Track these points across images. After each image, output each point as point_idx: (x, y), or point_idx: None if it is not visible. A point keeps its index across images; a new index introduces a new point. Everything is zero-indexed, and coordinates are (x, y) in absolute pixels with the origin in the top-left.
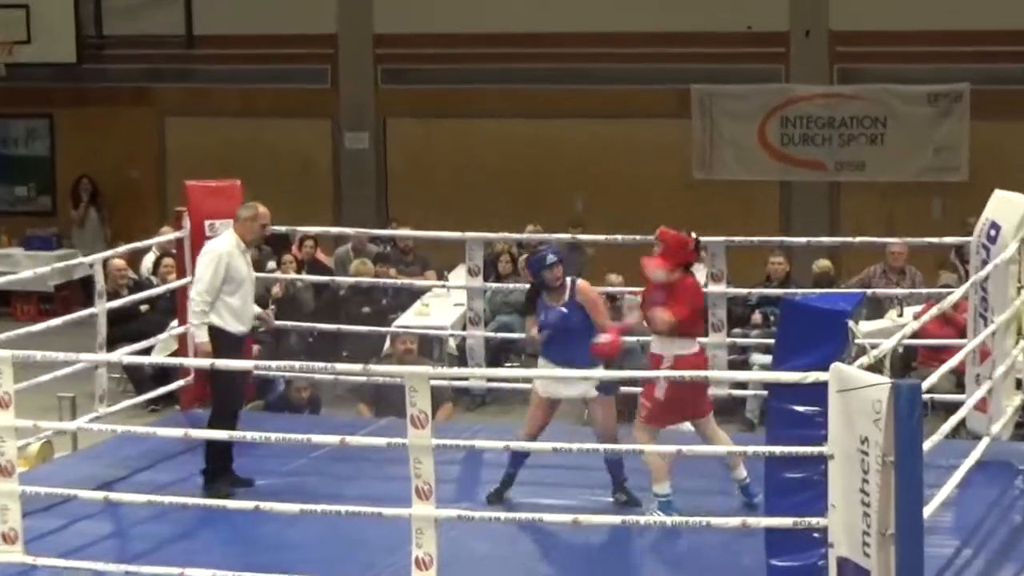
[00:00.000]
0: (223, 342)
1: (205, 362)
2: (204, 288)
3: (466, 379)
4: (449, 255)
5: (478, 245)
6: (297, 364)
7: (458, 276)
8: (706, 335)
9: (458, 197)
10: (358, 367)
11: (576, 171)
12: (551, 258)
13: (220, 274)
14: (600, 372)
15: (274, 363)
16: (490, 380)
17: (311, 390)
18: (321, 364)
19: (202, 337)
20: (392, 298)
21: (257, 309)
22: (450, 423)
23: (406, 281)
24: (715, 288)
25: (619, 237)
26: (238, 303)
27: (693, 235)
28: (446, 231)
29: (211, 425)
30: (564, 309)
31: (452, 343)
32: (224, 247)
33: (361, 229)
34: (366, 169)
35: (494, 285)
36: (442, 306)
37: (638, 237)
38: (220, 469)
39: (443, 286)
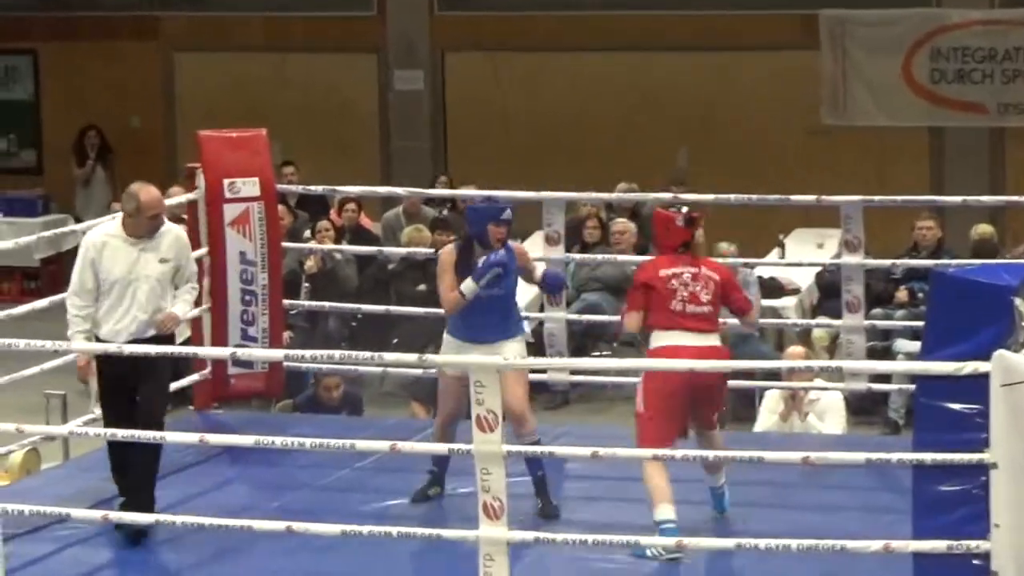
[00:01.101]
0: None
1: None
2: (72, 290)
3: (544, 371)
4: (523, 219)
5: (558, 207)
6: (336, 354)
7: (534, 245)
8: (839, 316)
9: (533, 149)
10: (411, 357)
11: (678, 117)
12: (508, 213)
13: (88, 273)
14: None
15: (307, 352)
16: (574, 372)
17: (343, 387)
18: (365, 354)
19: (78, 348)
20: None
21: (177, 307)
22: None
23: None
24: (850, 259)
25: (731, 197)
26: (101, 313)
27: (684, 210)
28: (518, 190)
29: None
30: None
31: (527, 327)
32: (96, 237)
33: (415, 189)
34: (420, 115)
35: (578, 256)
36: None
37: (754, 197)
38: (146, 501)
39: None
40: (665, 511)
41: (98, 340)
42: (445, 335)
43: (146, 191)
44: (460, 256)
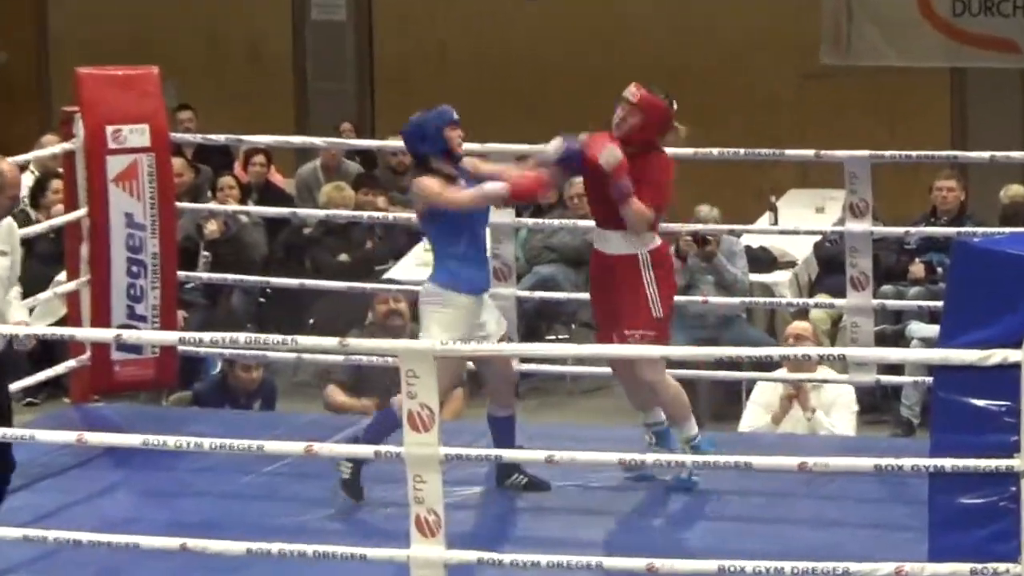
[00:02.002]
0: None
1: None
2: None
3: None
4: None
5: (506, 163)
6: (241, 337)
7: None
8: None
9: (476, 94)
10: (331, 341)
11: (645, 58)
12: (454, 114)
13: None
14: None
15: (205, 335)
16: (524, 361)
17: (261, 371)
18: (276, 337)
19: None
20: (381, 240)
21: (17, 314)
22: (464, 423)
23: (401, 215)
24: (855, 226)
25: (713, 151)
26: None
27: (674, 103)
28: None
29: None
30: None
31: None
32: None
33: (335, 139)
34: (342, 51)
35: (531, 221)
36: None
37: (740, 152)
38: None
39: None
40: (693, 425)
41: None
42: (444, 292)
43: (8, 163)
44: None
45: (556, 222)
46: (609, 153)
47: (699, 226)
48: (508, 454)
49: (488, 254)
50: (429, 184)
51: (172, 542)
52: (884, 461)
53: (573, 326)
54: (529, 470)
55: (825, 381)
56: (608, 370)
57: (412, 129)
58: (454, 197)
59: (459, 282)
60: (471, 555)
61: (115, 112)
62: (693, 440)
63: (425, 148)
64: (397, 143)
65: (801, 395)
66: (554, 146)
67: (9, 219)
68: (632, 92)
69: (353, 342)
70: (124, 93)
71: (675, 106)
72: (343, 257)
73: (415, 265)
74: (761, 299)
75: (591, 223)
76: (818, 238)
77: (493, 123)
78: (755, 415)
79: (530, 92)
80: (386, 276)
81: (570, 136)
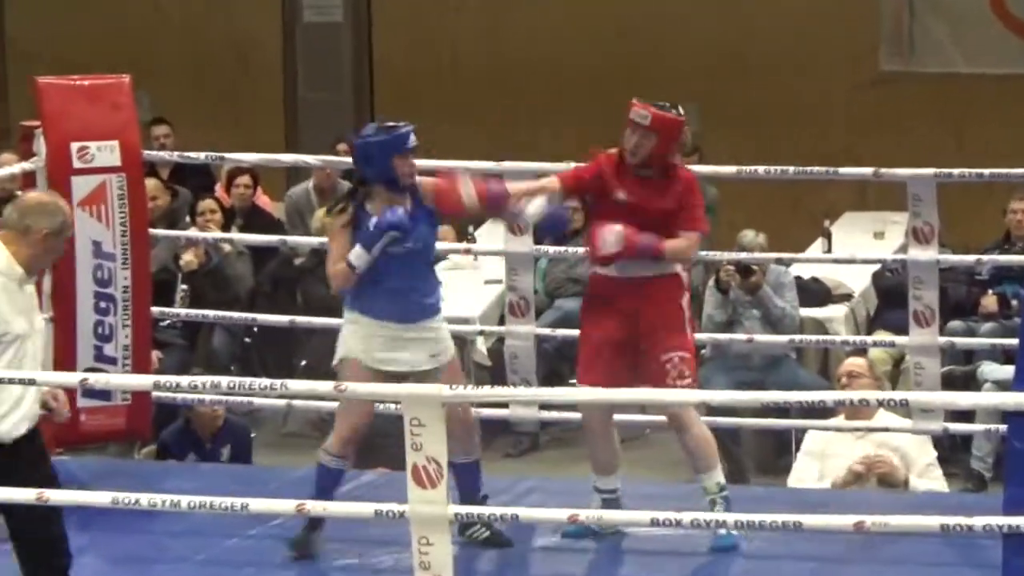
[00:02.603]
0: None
1: None
2: None
3: (505, 405)
4: None
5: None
6: (224, 381)
7: (492, 234)
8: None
9: (492, 105)
10: (326, 386)
11: (684, 65)
12: (413, 138)
13: None
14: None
15: (183, 380)
16: (545, 407)
17: (223, 414)
18: (263, 381)
19: None
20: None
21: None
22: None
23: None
24: (920, 253)
25: (759, 170)
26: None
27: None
28: (472, 159)
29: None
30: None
31: (482, 346)
32: None
33: (330, 157)
34: (338, 57)
35: (552, 249)
36: (465, 284)
37: (790, 170)
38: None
39: (467, 251)
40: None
41: None
42: (346, 312)
43: (64, 202)
44: (357, 210)
45: (580, 250)
46: (614, 242)
47: (743, 255)
48: (530, 514)
49: (439, 286)
50: (331, 223)
51: None
52: (952, 520)
53: None
54: (496, 524)
55: (885, 430)
56: (643, 417)
57: (362, 147)
58: (329, 263)
59: (366, 308)
60: None
61: (81, 127)
62: (724, 491)
63: (369, 172)
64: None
65: (878, 467)
66: (535, 209)
67: None
68: (642, 114)
69: (351, 387)
70: (91, 105)
71: (683, 112)
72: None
73: None
74: (813, 336)
75: None
76: (877, 267)
77: (508, 137)
78: (807, 467)
79: (551, 102)
80: None
81: (555, 199)
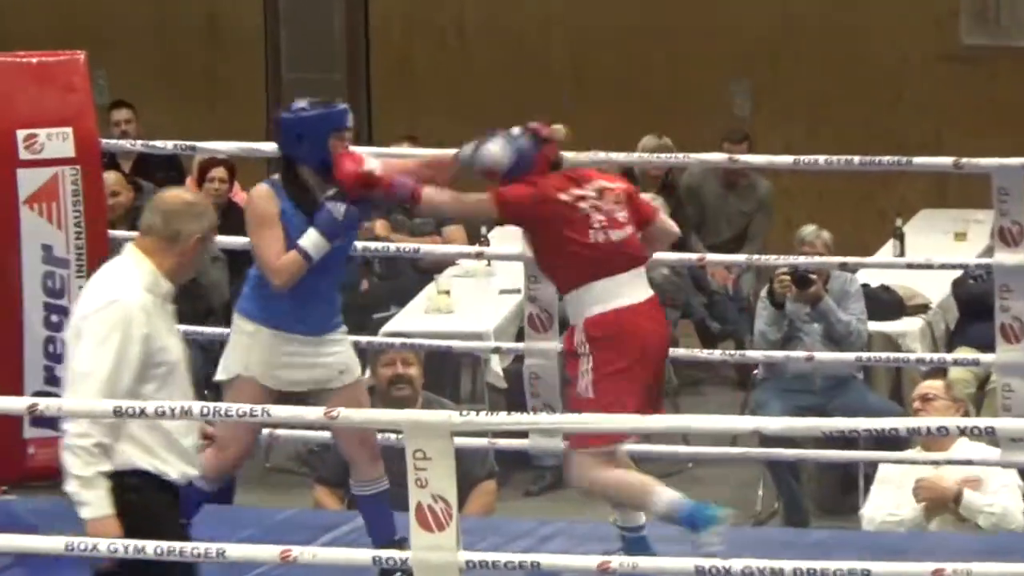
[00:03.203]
0: (152, 506)
1: None
2: (98, 389)
3: (525, 434)
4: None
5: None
6: (195, 407)
7: (508, 238)
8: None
9: (504, 85)
10: (315, 411)
11: (733, 37)
12: (351, 116)
13: (133, 358)
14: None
15: (148, 405)
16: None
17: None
18: (242, 407)
19: (101, 511)
20: (380, 279)
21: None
22: (494, 520)
23: (406, 245)
24: (1008, 257)
25: (819, 160)
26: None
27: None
28: None
29: None
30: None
31: (497, 365)
32: (134, 296)
33: None
34: (329, 31)
35: None
36: (477, 294)
37: (856, 160)
38: None
39: (479, 256)
40: (668, 492)
41: (150, 482)
42: (240, 321)
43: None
44: (291, 194)
45: None
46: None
47: (800, 259)
48: (553, 561)
49: (334, 296)
50: (258, 209)
51: None
52: None
53: None
54: None
55: (968, 463)
56: (685, 449)
57: (294, 123)
58: (268, 254)
59: (271, 316)
60: None
61: (28, 112)
62: (680, 511)
63: (301, 151)
64: (402, 150)
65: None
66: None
67: None
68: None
69: (345, 413)
70: (40, 87)
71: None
72: None
73: (425, 312)
74: (883, 354)
75: (662, 254)
76: (958, 274)
77: (524, 120)
78: (882, 498)
79: (574, 83)
80: (389, 327)
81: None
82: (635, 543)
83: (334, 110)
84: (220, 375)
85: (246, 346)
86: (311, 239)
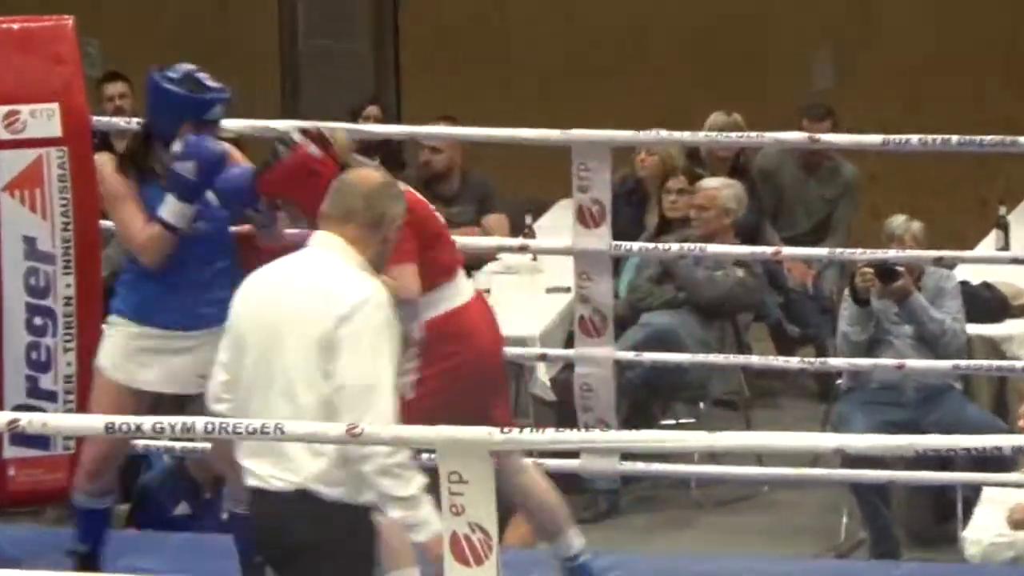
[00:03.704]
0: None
1: None
2: (389, 402)
3: (576, 454)
4: (536, 183)
5: (599, 157)
6: (199, 423)
7: (558, 227)
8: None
9: (551, 61)
10: (336, 428)
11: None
12: (219, 110)
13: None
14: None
15: (146, 420)
16: (627, 457)
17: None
18: (254, 423)
19: (436, 530)
20: None
21: None
22: (539, 552)
23: None
24: None
25: (912, 139)
26: None
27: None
28: (525, 126)
29: None
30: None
31: (544, 374)
32: (380, 289)
33: (345, 125)
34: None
35: (637, 245)
36: (521, 293)
37: (954, 139)
38: None
39: (523, 249)
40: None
41: None
42: (114, 318)
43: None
44: (135, 166)
45: (675, 246)
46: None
47: (890, 253)
48: None
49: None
50: (108, 182)
51: None
52: None
53: (702, 404)
54: None
55: None
56: (761, 469)
57: (155, 89)
58: (131, 229)
59: (135, 308)
60: None
61: (8, 85)
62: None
63: (155, 123)
64: (435, 129)
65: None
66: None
67: None
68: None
69: (369, 428)
70: (22, 56)
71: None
72: None
73: None
74: (984, 362)
75: (728, 247)
76: None
77: (575, 100)
78: (989, 519)
79: (632, 57)
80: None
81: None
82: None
83: (199, 97)
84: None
85: (107, 338)
86: (168, 206)
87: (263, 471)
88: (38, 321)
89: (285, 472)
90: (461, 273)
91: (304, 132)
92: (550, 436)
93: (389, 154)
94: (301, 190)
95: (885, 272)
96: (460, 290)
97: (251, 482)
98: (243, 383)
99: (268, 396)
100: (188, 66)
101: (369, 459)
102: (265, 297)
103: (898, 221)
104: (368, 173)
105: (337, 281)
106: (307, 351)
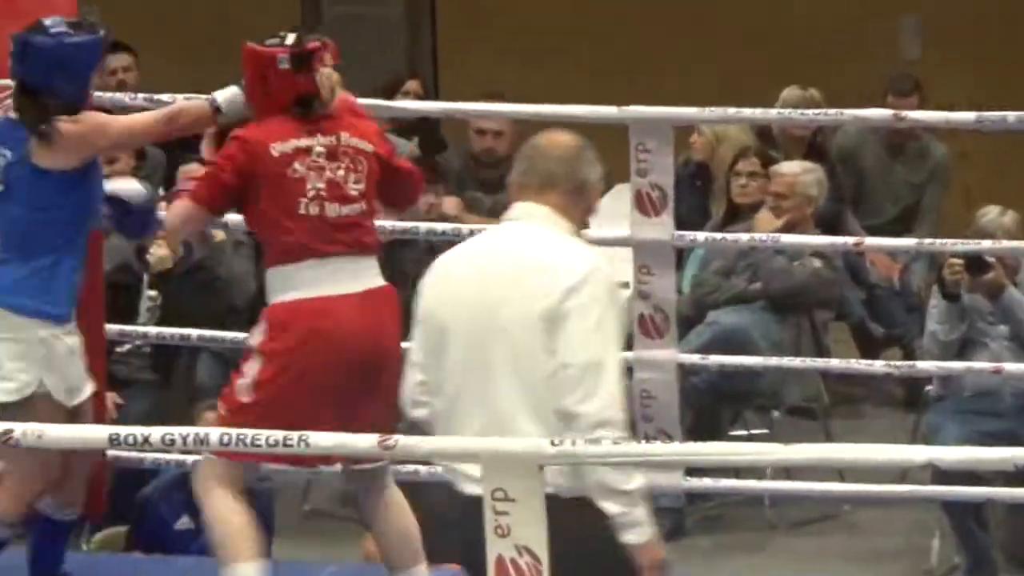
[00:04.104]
0: None
1: None
2: (616, 380)
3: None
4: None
5: (659, 137)
6: (213, 434)
7: (611, 214)
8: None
9: (602, 29)
10: (367, 439)
11: None
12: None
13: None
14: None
15: (153, 432)
16: (693, 472)
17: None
18: (274, 434)
19: (652, 531)
20: None
21: None
22: None
23: (483, 227)
24: None
25: (1009, 116)
26: None
27: (303, 43)
28: (578, 102)
29: None
30: None
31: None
32: (599, 259)
33: (377, 101)
34: None
35: (703, 235)
36: None
37: None
38: None
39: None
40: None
41: None
42: (10, 316)
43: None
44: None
45: (744, 237)
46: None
47: (986, 243)
48: None
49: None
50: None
51: None
52: None
53: (776, 413)
54: None
55: None
56: (843, 486)
57: (48, 46)
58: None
59: (36, 301)
60: None
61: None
62: None
63: (56, 83)
64: (479, 106)
65: None
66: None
67: None
68: None
69: (404, 441)
70: (15, 26)
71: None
72: None
73: None
74: None
75: (806, 237)
76: None
77: (625, 72)
78: None
79: (691, 18)
80: None
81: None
82: None
83: (92, 36)
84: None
85: (20, 351)
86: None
87: None
88: None
89: None
90: (328, 262)
91: (298, 40)
92: (606, 448)
93: (427, 133)
94: (253, 84)
95: (974, 263)
96: (318, 279)
97: (472, 490)
98: (450, 378)
99: (488, 384)
100: (52, 17)
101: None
102: (468, 280)
103: (989, 216)
104: (561, 136)
105: (557, 252)
106: (531, 328)
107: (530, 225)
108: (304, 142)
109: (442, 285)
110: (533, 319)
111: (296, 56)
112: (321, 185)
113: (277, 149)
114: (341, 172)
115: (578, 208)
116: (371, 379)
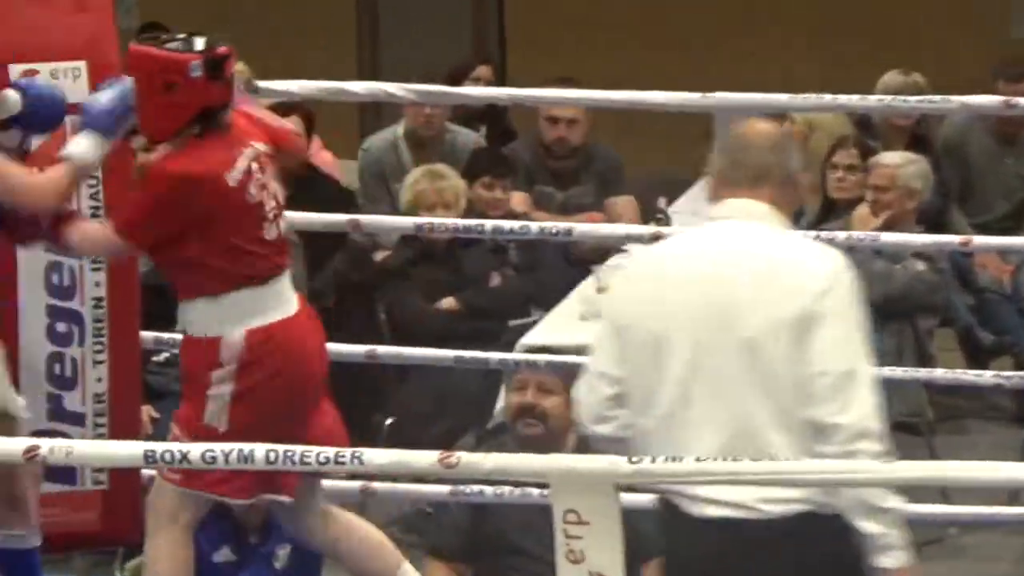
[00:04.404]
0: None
1: None
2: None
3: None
4: (666, 158)
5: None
6: (258, 450)
7: (694, 211)
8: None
9: (684, 6)
10: (427, 456)
11: None
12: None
13: None
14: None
15: (194, 447)
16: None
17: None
18: (325, 451)
19: (902, 560)
20: (518, 272)
21: None
22: None
23: (554, 226)
24: None
25: None
26: None
27: (215, 48)
28: (655, 88)
29: None
30: None
31: None
32: None
33: (435, 87)
34: None
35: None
36: None
37: None
38: None
39: (656, 238)
40: None
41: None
42: None
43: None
44: None
45: (840, 234)
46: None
47: None
48: None
49: None
50: None
51: None
52: None
53: None
54: None
55: None
56: (948, 508)
57: None
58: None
59: None
60: None
61: (25, 39)
62: None
63: None
64: (550, 93)
65: None
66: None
67: None
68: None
69: (468, 458)
70: (42, 5)
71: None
72: (447, 303)
73: (579, 318)
74: None
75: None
76: None
77: (714, 55)
78: None
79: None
80: (529, 339)
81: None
82: None
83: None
84: None
85: None
86: (81, 142)
87: (744, 496)
88: (62, 327)
89: (779, 492)
90: (283, 278)
91: (209, 44)
92: (690, 466)
93: (494, 122)
94: (150, 93)
95: None
96: (279, 298)
97: (714, 512)
98: (667, 391)
99: (726, 396)
100: None
101: (856, 455)
102: (691, 284)
103: None
104: (764, 125)
105: (802, 252)
106: (778, 334)
107: (751, 224)
108: (242, 162)
109: (651, 289)
110: (781, 324)
111: (210, 62)
112: (273, 203)
113: (232, 178)
114: (273, 183)
115: (787, 202)
116: (319, 394)
